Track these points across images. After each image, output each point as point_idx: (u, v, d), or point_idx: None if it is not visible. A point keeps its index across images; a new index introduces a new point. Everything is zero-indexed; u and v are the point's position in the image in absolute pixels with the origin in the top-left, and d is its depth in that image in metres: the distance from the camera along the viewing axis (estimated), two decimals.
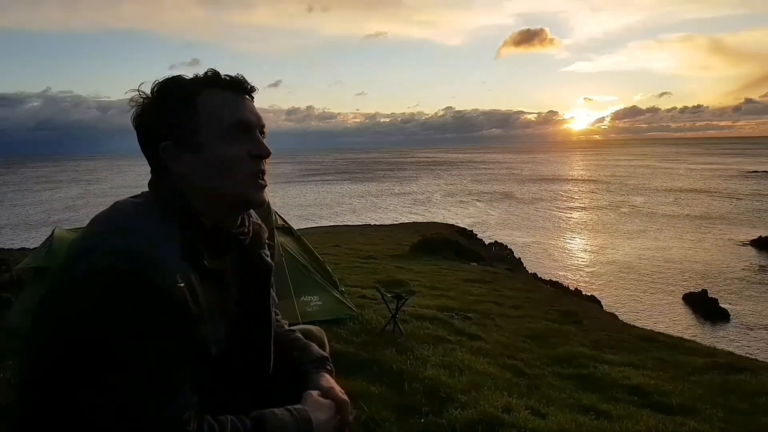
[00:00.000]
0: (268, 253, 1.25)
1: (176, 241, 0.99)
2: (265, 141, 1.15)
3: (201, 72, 1.12)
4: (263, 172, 1.12)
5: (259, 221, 1.29)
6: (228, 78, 1.11)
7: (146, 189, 1.11)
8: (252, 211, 1.28)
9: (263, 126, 1.14)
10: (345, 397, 1.19)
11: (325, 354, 1.31)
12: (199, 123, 1.07)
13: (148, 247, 0.93)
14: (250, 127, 1.10)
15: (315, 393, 1.15)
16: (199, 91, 1.08)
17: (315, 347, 1.32)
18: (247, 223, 1.18)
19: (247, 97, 1.14)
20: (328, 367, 1.27)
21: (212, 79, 1.10)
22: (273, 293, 1.29)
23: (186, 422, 0.93)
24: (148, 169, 1.12)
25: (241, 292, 1.14)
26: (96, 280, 0.89)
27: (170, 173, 1.07)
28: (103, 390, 0.87)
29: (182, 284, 0.94)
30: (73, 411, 0.89)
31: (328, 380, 1.22)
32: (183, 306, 0.94)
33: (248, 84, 1.14)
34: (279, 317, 1.39)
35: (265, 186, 1.12)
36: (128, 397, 0.88)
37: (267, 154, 1.12)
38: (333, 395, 1.17)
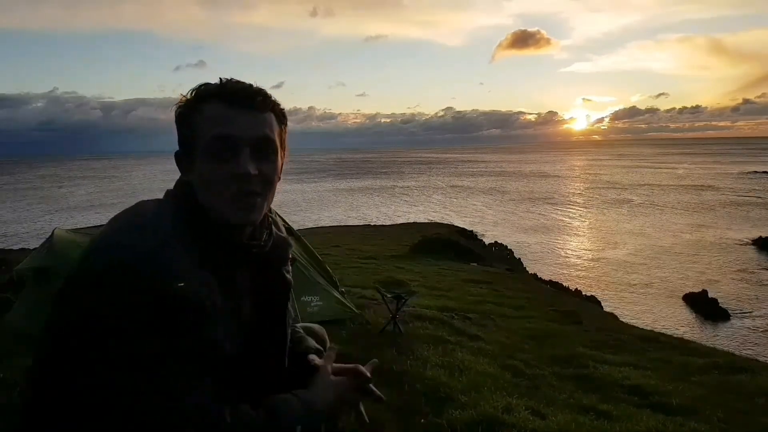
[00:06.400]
0: (290, 269, 1.25)
1: (188, 242, 1.02)
2: (267, 158, 1.09)
3: (212, 75, 1.13)
4: (251, 192, 1.05)
5: (285, 234, 1.27)
6: (229, 89, 1.07)
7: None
8: (281, 224, 1.29)
9: (261, 141, 1.07)
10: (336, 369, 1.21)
11: (319, 347, 1.33)
12: (195, 135, 1.07)
13: (159, 247, 0.96)
14: (234, 143, 1.04)
15: (322, 374, 1.18)
16: (201, 102, 1.07)
17: (311, 340, 1.34)
18: (264, 236, 1.17)
19: (252, 109, 1.06)
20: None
21: (215, 90, 1.08)
22: (293, 309, 1.30)
23: (213, 413, 0.96)
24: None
25: (257, 304, 1.16)
26: (110, 274, 0.92)
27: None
28: (103, 382, 0.89)
29: (186, 284, 0.95)
30: (80, 404, 0.90)
31: (315, 360, 1.24)
32: (187, 306, 0.95)
33: (250, 95, 1.07)
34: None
35: (253, 206, 1.07)
36: (123, 390, 0.90)
37: (244, 175, 1.03)
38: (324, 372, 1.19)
